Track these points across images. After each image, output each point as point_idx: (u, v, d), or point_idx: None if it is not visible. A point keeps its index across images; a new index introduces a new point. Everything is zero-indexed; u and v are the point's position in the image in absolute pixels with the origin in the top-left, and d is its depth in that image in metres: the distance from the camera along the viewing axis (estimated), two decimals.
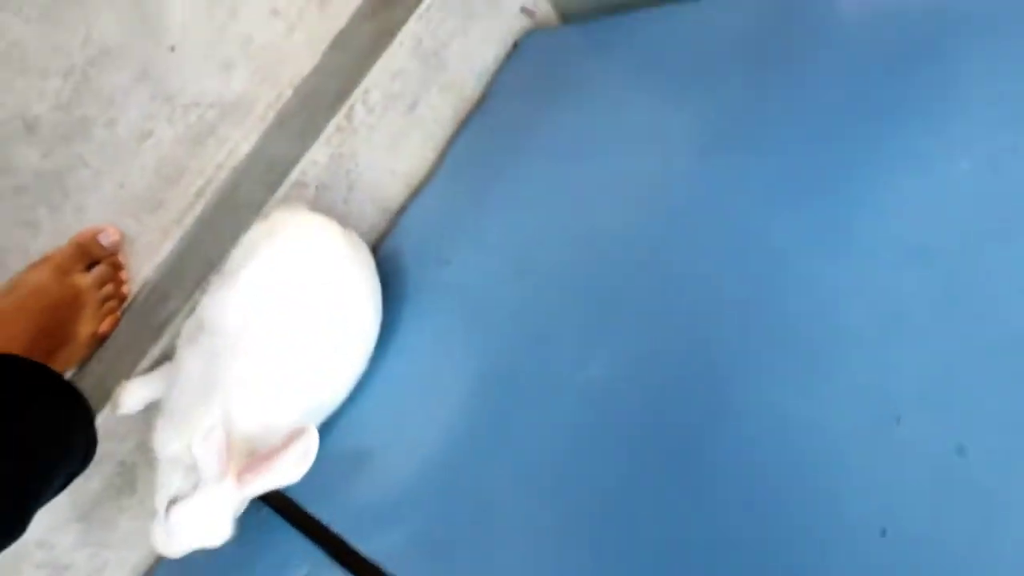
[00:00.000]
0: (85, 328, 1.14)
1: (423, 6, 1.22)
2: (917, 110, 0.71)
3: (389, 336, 1.04)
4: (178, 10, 1.28)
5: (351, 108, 1.19)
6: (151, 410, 1.08)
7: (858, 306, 0.63)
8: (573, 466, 0.72)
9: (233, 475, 0.90)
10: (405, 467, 0.89)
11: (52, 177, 1.24)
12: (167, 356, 1.12)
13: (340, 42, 1.41)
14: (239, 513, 0.93)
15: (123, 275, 1.23)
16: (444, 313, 1.01)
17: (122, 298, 1.23)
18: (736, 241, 0.75)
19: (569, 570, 0.66)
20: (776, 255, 0.71)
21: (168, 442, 1.01)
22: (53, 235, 1.26)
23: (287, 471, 0.89)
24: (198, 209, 1.36)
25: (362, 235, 1.22)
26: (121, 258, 1.22)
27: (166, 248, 1.35)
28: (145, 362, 1.12)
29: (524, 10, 1.27)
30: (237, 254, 1.08)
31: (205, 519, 0.90)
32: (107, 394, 1.12)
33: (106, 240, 1.21)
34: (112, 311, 1.21)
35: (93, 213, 1.28)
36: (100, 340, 1.19)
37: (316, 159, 1.17)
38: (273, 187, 1.17)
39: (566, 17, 1.31)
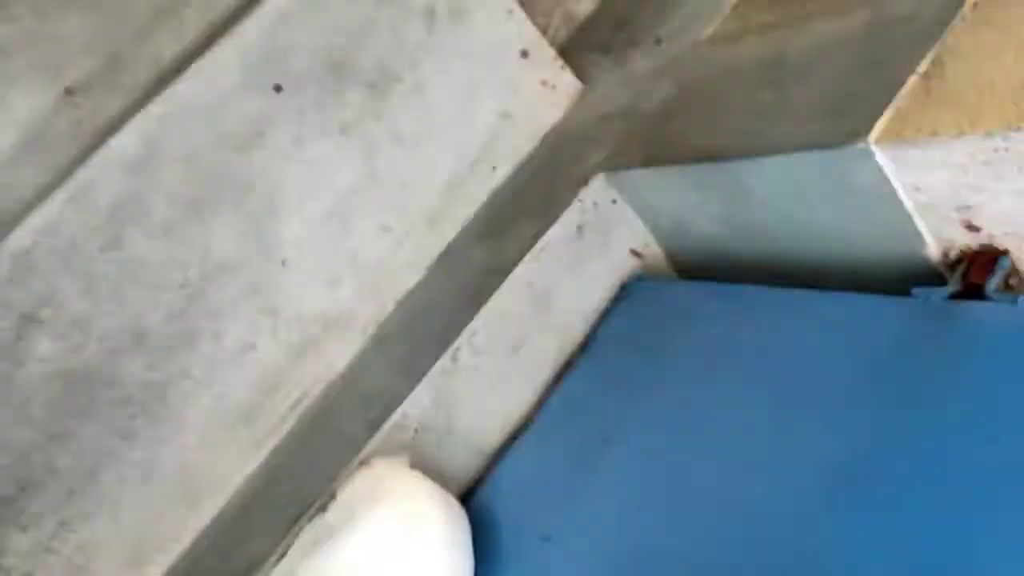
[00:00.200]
0: None
1: (537, 246, 1.22)
2: None
3: None
4: (293, 225, 1.30)
5: (457, 350, 1.18)
6: None
7: None
8: None
9: None
10: None
11: (155, 389, 1.25)
12: None
13: (446, 260, 1.42)
14: None
15: None
16: None
17: None
18: None
19: None
20: None
21: None
22: (149, 446, 1.26)
23: None
24: (292, 422, 1.35)
25: (455, 476, 1.19)
26: None
27: (257, 459, 1.34)
28: None
29: (633, 252, 1.26)
30: (335, 509, 1.06)
31: None
32: None
33: None
34: None
35: (190, 424, 1.29)
36: None
37: (419, 401, 1.16)
38: (373, 425, 1.15)
39: (676, 264, 1.30)
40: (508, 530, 1.06)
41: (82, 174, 1.19)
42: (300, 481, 1.20)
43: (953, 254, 0.87)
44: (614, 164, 1.24)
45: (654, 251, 1.30)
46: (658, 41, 1.47)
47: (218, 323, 1.29)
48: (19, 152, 1.31)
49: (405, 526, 0.99)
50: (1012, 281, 0.82)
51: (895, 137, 0.83)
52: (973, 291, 0.83)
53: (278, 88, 1.29)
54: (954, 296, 0.84)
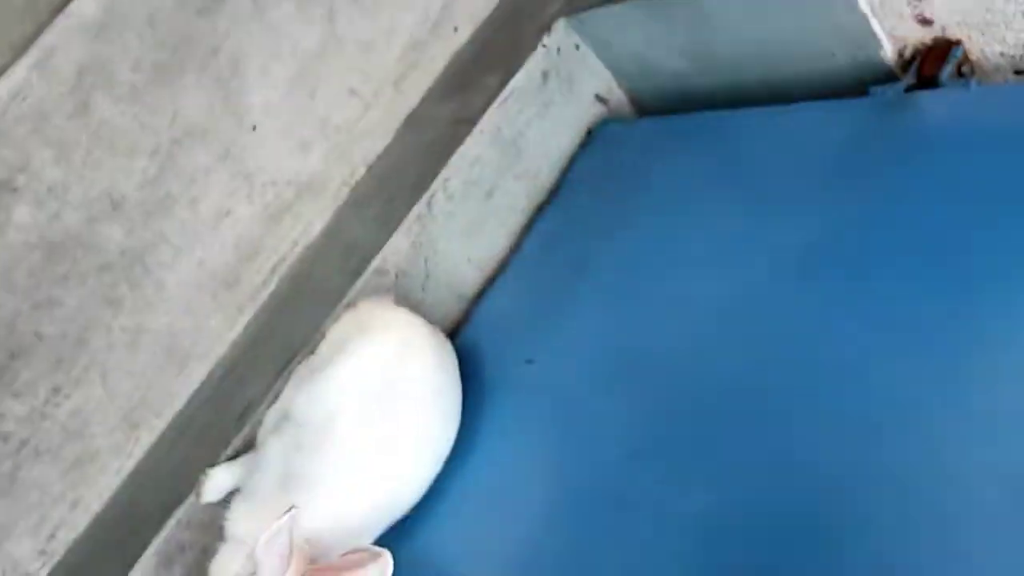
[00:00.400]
0: None
1: (503, 94, 1.24)
2: None
3: (468, 437, 1.04)
4: (261, 91, 1.31)
5: (432, 196, 1.21)
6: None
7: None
8: None
9: None
10: None
11: (135, 255, 1.27)
12: (249, 445, 1.13)
13: (413, 121, 1.44)
14: None
15: None
16: (527, 417, 1.01)
17: None
18: (849, 370, 0.74)
19: None
20: (892, 389, 0.71)
21: (239, 521, 1.03)
22: (134, 312, 1.28)
23: None
24: (273, 286, 1.38)
25: (437, 322, 1.23)
26: None
27: (241, 324, 1.37)
28: (228, 451, 1.14)
29: (598, 97, 1.28)
30: (325, 346, 1.09)
31: None
32: (187, 482, 1.14)
33: None
34: None
35: (172, 290, 1.31)
36: None
37: (398, 247, 1.19)
38: (354, 274, 1.18)
39: (640, 107, 1.33)
40: (492, 359, 1.10)
41: (45, 40, 1.17)
42: (287, 334, 1.23)
43: (908, 53, 0.91)
44: (573, 7, 1.25)
45: (618, 96, 1.32)
46: None
47: (193, 189, 1.30)
48: None
49: (394, 349, 1.03)
50: (964, 69, 0.86)
51: None
52: (928, 83, 0.87)
53: None
54: (910, 89, 0.88)
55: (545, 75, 1.26)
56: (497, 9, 1.50)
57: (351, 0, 1.37)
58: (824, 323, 0.80)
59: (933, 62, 0.87)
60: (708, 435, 0.81)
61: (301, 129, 1.37)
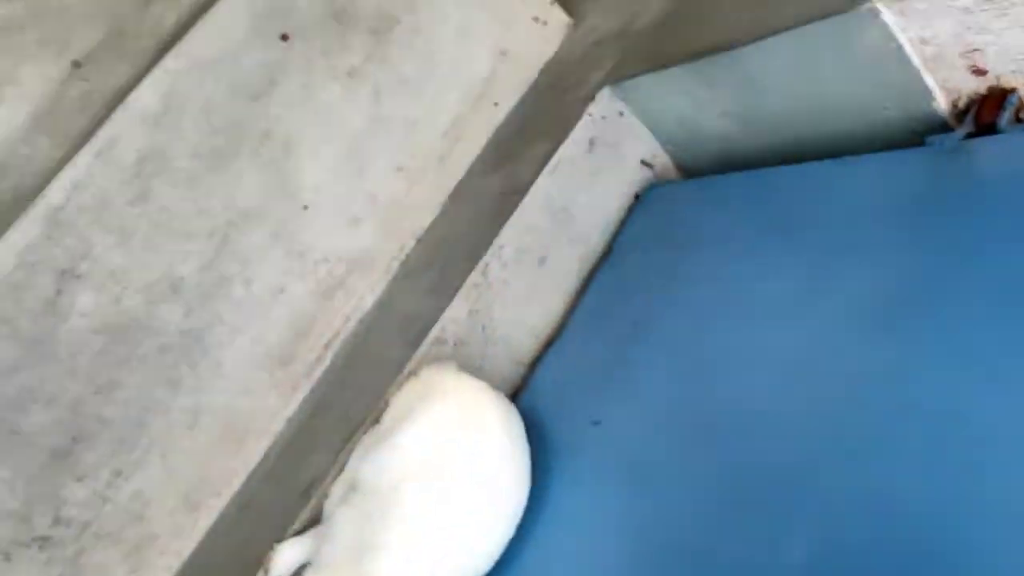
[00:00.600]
0: None
1: (552, 162, 1.27)
2: None
3: (539, 500, 1.04)
4: (312, 171, 1.34)
5: (487, 264, 1.23)
6: None
7: None
8: None
9: None
10: None
11: (193, 335, 1.28)
12: (315, 519, 1.13)
13: (459, 194, 1.46)
14: None
15: None
16: (600, 478, 1.00)
17: None
18: (932, 421, 0.74)
19: None
20: (980, 435, 0.71)
21: None
22: (192, 392, 1.29)
23: None
24: (327, 362, 1.39)
25: (496, 387, 1.23)
26: None
27: (296, 400, 1.37)
28: (296, 525, 1.13)
29: (644, 162, 1.31)
30: (390, 415, 1.10)
31: None
32: (250, 560, 1.13)
33: None
34: None
35: (229, 369, 1.32)
36: None
37: (455, 316, 1.20)
38: (413, 344, 1.19)
39: (685, 171, 1.35)
40: (556, 421, 1.10)
41: (106, 130, 1.21)
42: (346, 406, 1.24)
43: (962, 103, 0.93)
44: (617, 76, 1.28)
45: (663, 160, 1.35)
46: None
47: (248, 269, 1.32)
48: (34, 125, 1.34)
49: (461, 414, 1.03)
50: (1022, 115, 0.87)
51: None
52: (985, 131, 0.88)
53: (284, 37, 1.33)
54: (967, 137, 0.89)
55: (592, 143, 1.29)
56: (535, 84, 1.54)
57: (396, 81, 1.42)
58: (906, 368, 0.80)
59: (990, 110, 0.89)
60: (794, 485, 0.80)
61: (351, 206, 1.40)
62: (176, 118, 1.25)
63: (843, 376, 0.84)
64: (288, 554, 1.09)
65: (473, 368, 1.21)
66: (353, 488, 1.06)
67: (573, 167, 1.29)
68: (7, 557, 1.15)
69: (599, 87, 1.31)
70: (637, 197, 1.33)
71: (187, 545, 1.27)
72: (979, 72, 0.89)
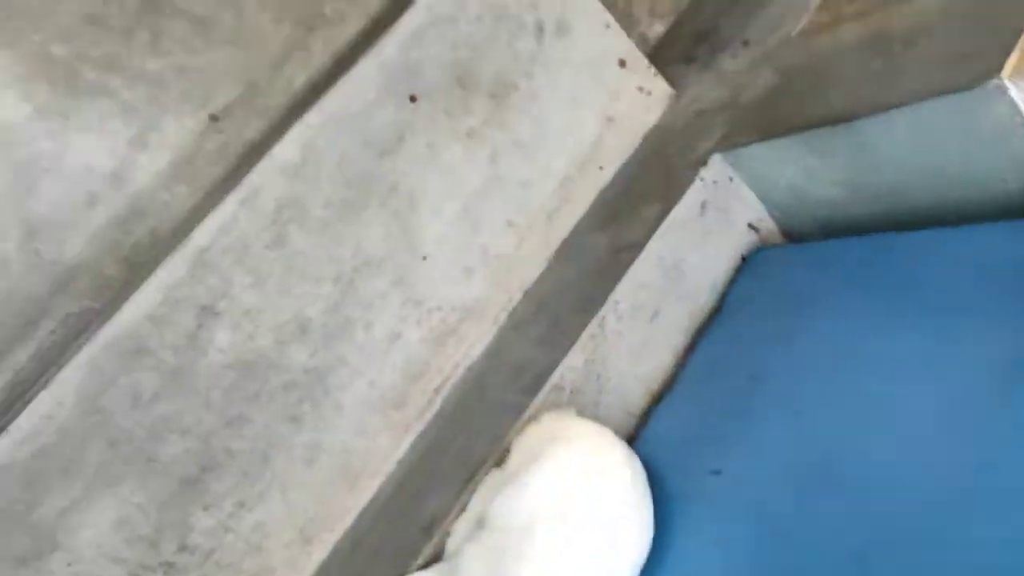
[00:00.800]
0: None
1: (666, 223, 1.33)
2: None
3: (661, 549, 1.07)
4: (432, 224, 1.42)
5: (603, 317, 1.28)
6: None
7: None
8: None
9: None
10: None
11: (317, 375, 1.35)
12: (437, 557, 1.17)
13: (564, 250, 1.53)
14: None
15: None
16: (724, 528, 1.03)
17: None
18: None
19: None
20: None
21: None
22: (313, 430, 1.36)
23: None
24: (437, 406, 1.45)
25: None
26: None
27: (407, 442, 1.43)
28: (419, 560, 1.17)
29: (751, 226, 1.36)
30: (515, 456, 1.14)
31: None
32: None
33: None
34: None
35: (348, 409, 1.38)
36: None
37: (573, 364, 1.26)
38: (531, 390, 1.25)
39: (788, 235, 1.41)
40: (672, 471, 1.14)
41: (251, 179, 1.30)
42: (462, 449, 1.29)
43: None
44: (728, 144, 1.35)
45: (768, 225, 1.40)
46: (745, 43, 1.60)
47: (369, 313, 1.39)
48: (173, 173, 1.44)
49: (588, 457, 1.08)
50: None
51: None
52: None
53: (413, 98, 1.42)
54: None
55: (703, 206, 1.35)
56: (638, 149, 1.62)
57: (512, 144, 1.50)
58: (1011, 444, 0.83)
59: None
60: (923, 543, 0.83)
61: (465, 258, 1.47)
62: (314, 170, 1.34)
63: (973, 434, 0.88)
64: None
65: (587, 416, 1.26)
66: (481, 525, 1.11)
67: (685, 228, 1.35)
68: None
69: (708, 154, 1.37)
70: (743, 259, 1.38)
71: None
72: None
